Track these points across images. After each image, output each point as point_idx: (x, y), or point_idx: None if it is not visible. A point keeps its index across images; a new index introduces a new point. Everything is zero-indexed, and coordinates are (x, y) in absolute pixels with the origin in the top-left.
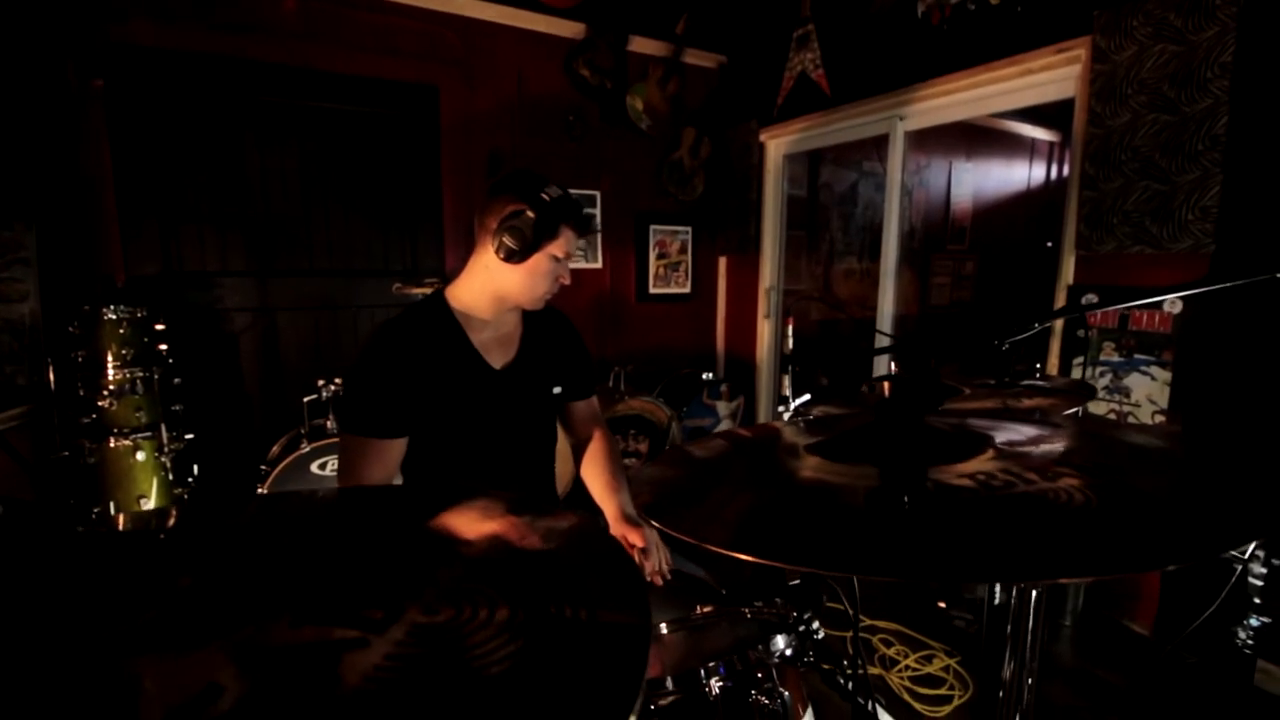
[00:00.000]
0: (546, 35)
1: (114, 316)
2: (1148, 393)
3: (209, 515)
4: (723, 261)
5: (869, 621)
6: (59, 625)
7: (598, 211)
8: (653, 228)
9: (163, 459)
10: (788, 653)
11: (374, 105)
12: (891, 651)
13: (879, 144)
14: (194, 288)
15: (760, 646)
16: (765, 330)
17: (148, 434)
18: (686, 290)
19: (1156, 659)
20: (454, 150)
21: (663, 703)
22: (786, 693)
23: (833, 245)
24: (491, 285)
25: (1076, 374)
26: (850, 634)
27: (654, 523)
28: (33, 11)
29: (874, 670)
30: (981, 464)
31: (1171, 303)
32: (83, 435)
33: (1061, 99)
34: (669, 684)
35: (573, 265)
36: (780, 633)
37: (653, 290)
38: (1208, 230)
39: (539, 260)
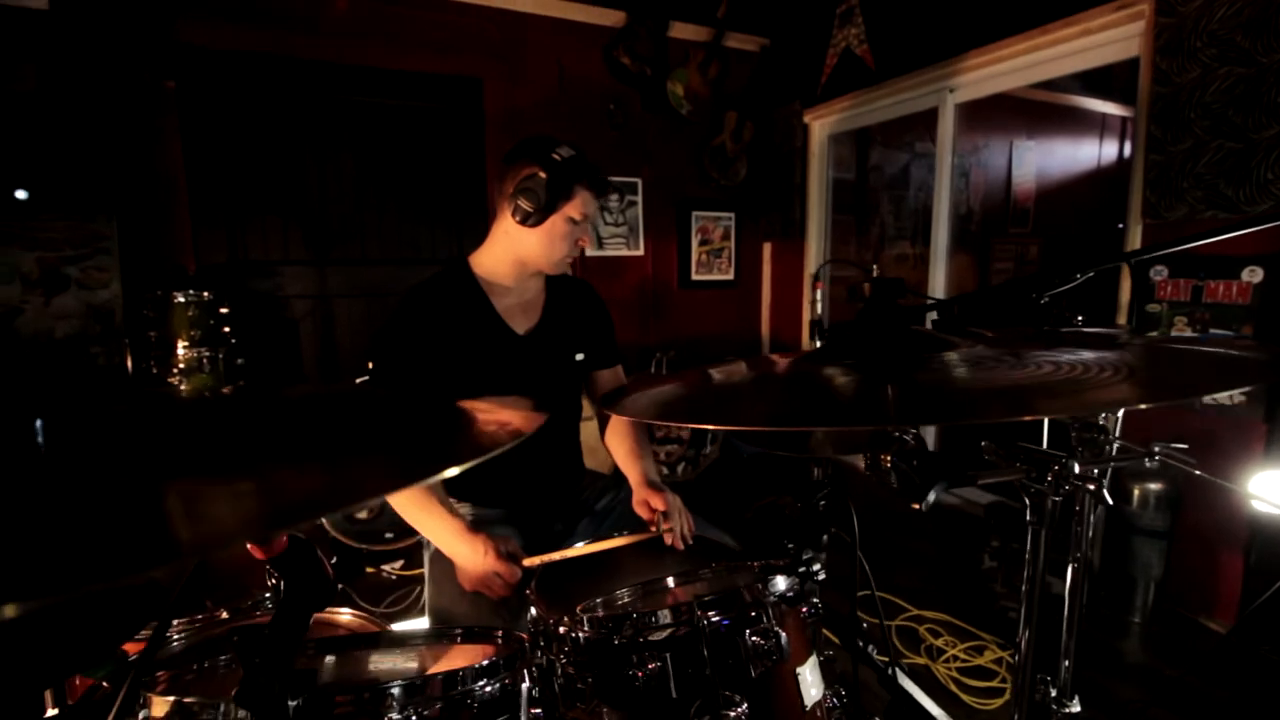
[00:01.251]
0: (586, 24)
1: (183, 300)
2: None
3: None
4: (767, 247)
5: (915, 611)
6: (117, 452)
7: (639, 199)
8: (695, 214)
9: None
10: (789, 594)
11: (421, 99)
12: (939, 642)
13: (930, 124)
14: (257, 275)
15: (759, 586)
16: (810, 316)
17: None
18: (729, 276)
19: (1228, 654)
20: (498, 141)
21: (654, 637)
22: (784, 634)
23: (883, 229)
24: (512, 250)
25: None
26: (864, 612)
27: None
28: (110, 18)
29: (919, 660)
30: (971, 352)
31: (1251, 271)
32: None
33: (1124, 59)
34: (664, 617)
35: (614, 253)
36: (781, 574)
37: (695, 277)
38: None
39: (556, 222)
